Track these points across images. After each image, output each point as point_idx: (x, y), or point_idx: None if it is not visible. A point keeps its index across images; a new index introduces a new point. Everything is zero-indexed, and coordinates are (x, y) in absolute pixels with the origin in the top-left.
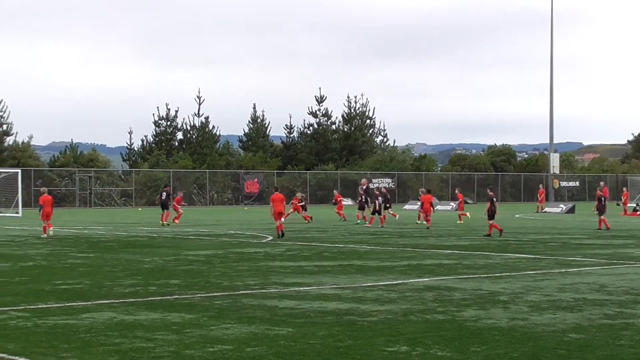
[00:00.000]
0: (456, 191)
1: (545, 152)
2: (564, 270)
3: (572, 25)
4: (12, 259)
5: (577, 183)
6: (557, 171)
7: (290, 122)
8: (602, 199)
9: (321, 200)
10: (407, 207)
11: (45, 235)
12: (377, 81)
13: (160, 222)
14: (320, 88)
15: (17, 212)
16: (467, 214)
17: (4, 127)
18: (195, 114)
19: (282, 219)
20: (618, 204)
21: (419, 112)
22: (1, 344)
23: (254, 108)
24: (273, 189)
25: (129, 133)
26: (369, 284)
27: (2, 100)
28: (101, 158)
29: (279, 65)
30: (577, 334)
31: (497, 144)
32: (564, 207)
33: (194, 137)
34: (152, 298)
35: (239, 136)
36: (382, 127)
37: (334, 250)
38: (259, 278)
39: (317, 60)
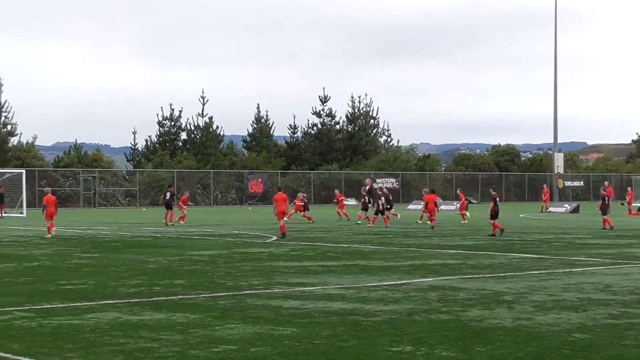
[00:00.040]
0: (458, 191)
1: (550, 151)
2: (568, 270)
3: (576, 23)
4: (16, 259)
5: (582, 183)
6: (561, 171)
7: (294, 122)
8: (606, 198)
9: (325, 200)
10: (411, 206)
11: (50, 235)
12: (379, 81)
13: (164, 221)
14: (324, 88)
15: (21, 213)
16: (467, 214)
17: (8, 127)
18: (199, 114)
19: (286, 219)
20: (622, 204)
21: (422, 112)
22: (6, 344)
23: (258, 108)
24: (276, 188)
25: (133, 133)
26: (373, 284)
27: (6, 101)
28: (105, 158)
29: (279, 65)
30: (581, 333)
31: (501, 144)
32: (569, 207)
33: (198, 137)
34: (156, 298)
35: (242, 136)
36: (385, 127)
37: (338, 250)
38: (263, 278)
39: (318, 60)
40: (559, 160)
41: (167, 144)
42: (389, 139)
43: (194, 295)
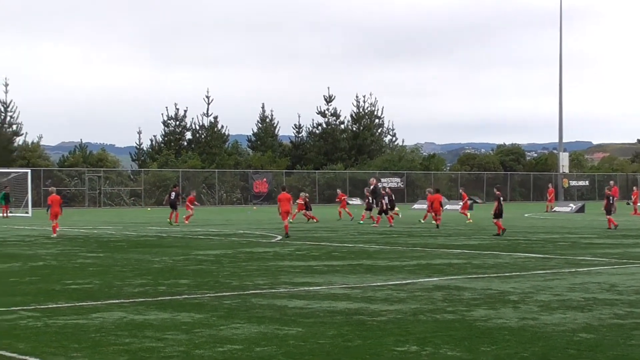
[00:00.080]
0: (460, 190)
1: (555, 151)
2: (573, 270)
3: (581, 22)
4: (22, 259)
5: (587, 182)
6: (566, 170)
7: (299, 122)
8: (611, 198)
9: (329, 199)
10: (416, 206)
11: (55, 235)
12: (383, 80)
13: (169, 221)
14: (328, 88)
15: (27, 212)
16: (468, 214)
17: (14, 127)
18: (204, 114)
19: (291, 219)
20: (628, 203)
21: (427, 111)
22: (12, 344)
23: (263, 108)
24: (280, 188)
25: (137, 133)
26: (379, 284)
27: (11, 101)
28: (110, 158)
29: (281, 64)
30: (587, 333)
31: (506, 143)
32: (574, 207)
33: (202, 136)
34: (161, 298)
35: (247, 136)
36: (390, 127)
37: (343, 249)
38: (268, 278)
39: (321, 60)
40: (564, 160)
41: (172, 144)
42: (394, 139)
43: (199, 294)
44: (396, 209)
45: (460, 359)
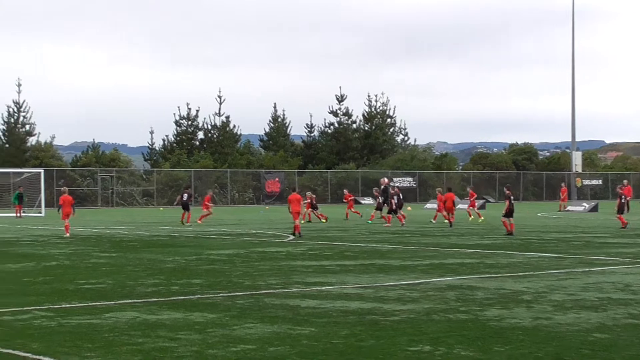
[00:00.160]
0: (467, 188)
1: (567, 150)
2: (587, 270)
3: (593, 21)
4: (35, 259)
5: (600, 181)
6: (579, 169)
7: (311, 121)
8: (622, 197)
9: (341, 199)
10: (428, 205)
11: (68, 234)
12: (395, 80)
13: (181, 222)
14: (340, 87)
15: (40, 212)
16: (470, 213)
17: (27, 127)
18: (216, 114)
19: (302, 220)
20: None
21: (439, 110)
22: (25, 344)
23: (275, 107)
24: (291, 189)
25: (150, 133)
26: (391, 284)
27: (24, 101)
28: (123, 158)
29: (292, 64)
30: (601, 333)
31: (519, 143)
32: (587, 206)
33: (215, 136)
34: (174, 298)
35: (259, 135)
36: (402, 126)
37: (356, 249)
38: (281, 277)
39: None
40: (577, 159)
41: (185, 144)
42: (406, 138)
43: (211, 294)
44: (402, 210)
45: (474, 359)
